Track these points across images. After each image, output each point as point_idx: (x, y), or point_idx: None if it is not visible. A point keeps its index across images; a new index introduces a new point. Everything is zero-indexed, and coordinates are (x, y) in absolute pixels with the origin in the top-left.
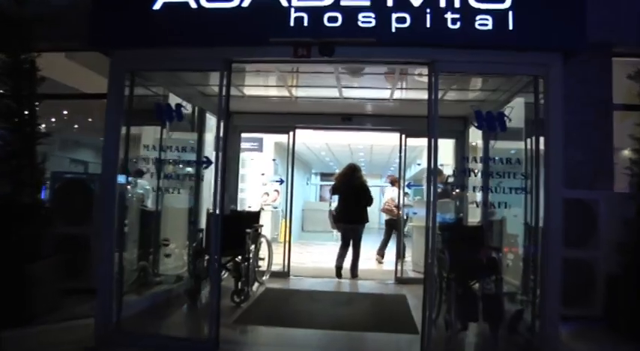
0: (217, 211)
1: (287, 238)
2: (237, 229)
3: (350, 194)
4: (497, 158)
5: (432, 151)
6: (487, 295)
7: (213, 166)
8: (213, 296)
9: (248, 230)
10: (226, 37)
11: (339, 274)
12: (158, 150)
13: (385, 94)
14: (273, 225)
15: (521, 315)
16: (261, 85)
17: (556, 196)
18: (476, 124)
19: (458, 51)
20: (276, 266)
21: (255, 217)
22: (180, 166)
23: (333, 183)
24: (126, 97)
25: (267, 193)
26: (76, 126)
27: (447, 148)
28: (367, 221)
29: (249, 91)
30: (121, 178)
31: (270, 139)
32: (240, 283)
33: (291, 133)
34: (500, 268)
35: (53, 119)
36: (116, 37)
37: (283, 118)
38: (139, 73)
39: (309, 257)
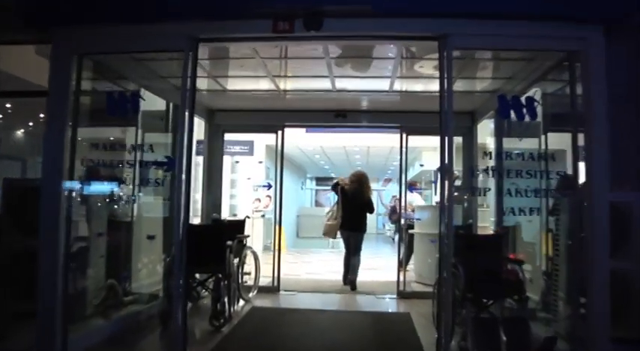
0: (181, 221)
1: (277, 248)
2: (217, 240)
3: (357, 205)
4: (525, 154)
5: (446, 148)
6: (510, 319)
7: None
8: (177, 323)
9: (229, 242)
10: (191, 9)
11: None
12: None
13: (384, 84)
14: (266, 233)
15: (554, 343)
16: (243, 75)
17: (602, 200)
18: (499, 112)
19: (475, 22)
20: (266, 279)
21: (238, 226)
22: (141, 168)
23: (337, 181)
24: (74, 88)
25: (259, 199)
26: None
27: None
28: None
29: (230, 85)
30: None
31: (261, 142)
32: (219, 304)
33: (280, 133)
34: (525, 285)
35: (31, 123)
36: (58, 12)
37: (271, 116)
38: (104, 65)
39: (304, 268)
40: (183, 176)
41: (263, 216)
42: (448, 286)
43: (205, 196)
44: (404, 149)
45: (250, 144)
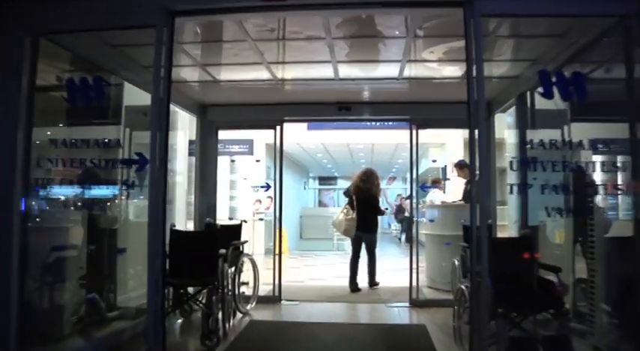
0: (157, 226)
1: (277, 252)
2: (209, 248)
3: (366, 204)
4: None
5: (476, 142)
6: (549, 338)
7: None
8: (152, 345)
9: (222, 250)
10: None
11: (355, 290)
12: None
13: (393, 70)
14: (267, 236)
15: None
16: (235, 63)
17: None
18: (542, 92)
19: None
20: (267, 287)
21: (234, 231)
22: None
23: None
24: (28, 77)
25: (260, 201)
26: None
27: (457, 141)
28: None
29: (223, 75)
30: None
31: (261, 141)
32: (211, 320)
33: (279, 128)
34: (564, 297)
35: None
36: None
37: (268, 110)
38: (80, 55)
39: (307, 272)
40: (159, 176)
41: (261, 219)
42: (483, 300)
43: (198, 199)
44: (414, 144)
45: (250, 143)
